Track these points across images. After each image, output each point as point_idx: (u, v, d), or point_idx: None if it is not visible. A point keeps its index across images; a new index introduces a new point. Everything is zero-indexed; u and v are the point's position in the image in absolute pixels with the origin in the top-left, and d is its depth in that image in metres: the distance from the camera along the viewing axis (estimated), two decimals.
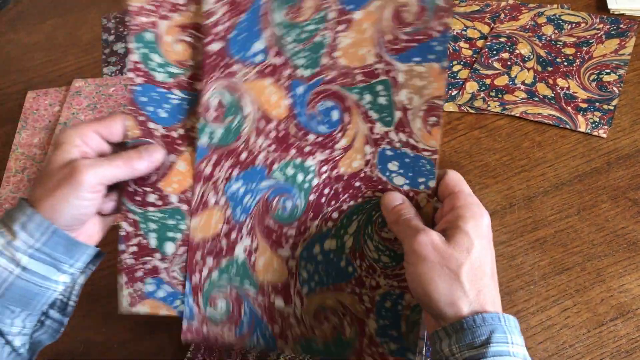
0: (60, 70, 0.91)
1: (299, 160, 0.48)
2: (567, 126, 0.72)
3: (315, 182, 0.48)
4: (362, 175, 0.47)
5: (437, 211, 0.46)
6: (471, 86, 0.78)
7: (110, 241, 0.59)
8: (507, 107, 0.75)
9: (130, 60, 0.46)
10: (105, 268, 0.67)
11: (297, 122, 0.48)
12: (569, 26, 0.83)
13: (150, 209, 0.48)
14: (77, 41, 0.96)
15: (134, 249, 0.49)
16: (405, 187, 0.47)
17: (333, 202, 0.48)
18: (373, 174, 0.47)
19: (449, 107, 0.77)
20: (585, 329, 0.56)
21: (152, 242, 0.49)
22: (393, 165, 0.47)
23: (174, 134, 0.47)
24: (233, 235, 0.48)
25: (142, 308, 0.50)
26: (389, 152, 0.47)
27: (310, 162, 0.48)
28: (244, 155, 0.48)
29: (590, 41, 0.81)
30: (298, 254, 0.48)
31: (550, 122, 0.73)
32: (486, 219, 0.43)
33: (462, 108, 0.76)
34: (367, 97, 0.47)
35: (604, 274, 0.60)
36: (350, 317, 0.48)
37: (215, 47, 0.45)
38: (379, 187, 0.47)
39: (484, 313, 0.40)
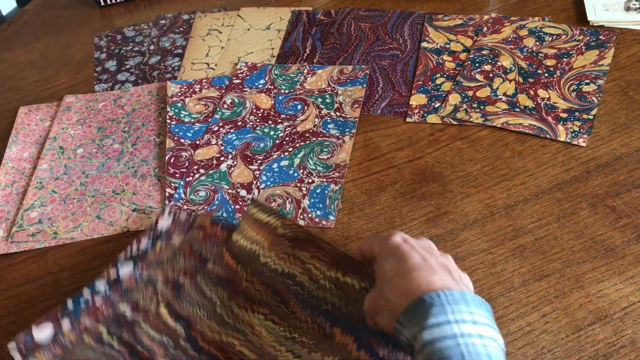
0: (53, 88, 0.93)
1: (272, 125, 0.80)
2: (548, 136, 0.73)
3: (280, 134, 0.79)
4: (311, 131, 0.79)
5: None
6: (454, 98, 0.79)
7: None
8: (488, 118, 0.76)
9: (168, 115, 0.83)
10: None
11: (275, 109, 0.82)
12: (550, 38, 0.85)
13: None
14: (69, 59, 0.98)
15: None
16: (337, 134, 0.78)
17: (290, 143, 0.78)
18: (318, 130, 0.78)
19: (432, 119, 0.78)
20: (564, 333, 0.57)
21: None
22: (331, 125, 0.79)
23: (198, 143, 0.79)
24: (222, 159, 0.77)
25: None
26: (329, 120, 0.80)
27: (280, 126, 0.80)
28: (239, 123, 0.81)
29: (571, 52, 0.82)
30: (262, 168, 0.75)
31: (531, 132, 0.74)
32: (390, 241, 0.54)
33: (445, 120, 0.78)
34: (320, 100, 0.82)
35: (582, 279, 0.60)
36: (290, 199, 0.72)
37: (236, 81, 0.87)
38: (320, 136, 0.78)
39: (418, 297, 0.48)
